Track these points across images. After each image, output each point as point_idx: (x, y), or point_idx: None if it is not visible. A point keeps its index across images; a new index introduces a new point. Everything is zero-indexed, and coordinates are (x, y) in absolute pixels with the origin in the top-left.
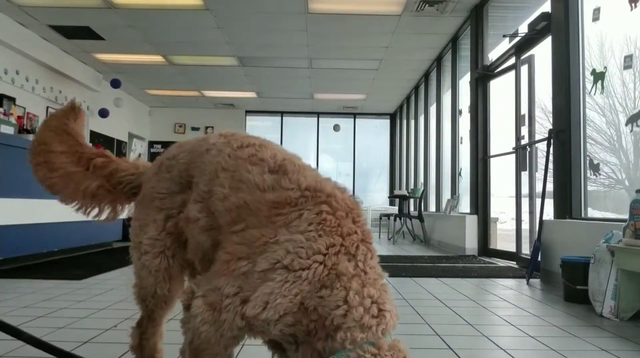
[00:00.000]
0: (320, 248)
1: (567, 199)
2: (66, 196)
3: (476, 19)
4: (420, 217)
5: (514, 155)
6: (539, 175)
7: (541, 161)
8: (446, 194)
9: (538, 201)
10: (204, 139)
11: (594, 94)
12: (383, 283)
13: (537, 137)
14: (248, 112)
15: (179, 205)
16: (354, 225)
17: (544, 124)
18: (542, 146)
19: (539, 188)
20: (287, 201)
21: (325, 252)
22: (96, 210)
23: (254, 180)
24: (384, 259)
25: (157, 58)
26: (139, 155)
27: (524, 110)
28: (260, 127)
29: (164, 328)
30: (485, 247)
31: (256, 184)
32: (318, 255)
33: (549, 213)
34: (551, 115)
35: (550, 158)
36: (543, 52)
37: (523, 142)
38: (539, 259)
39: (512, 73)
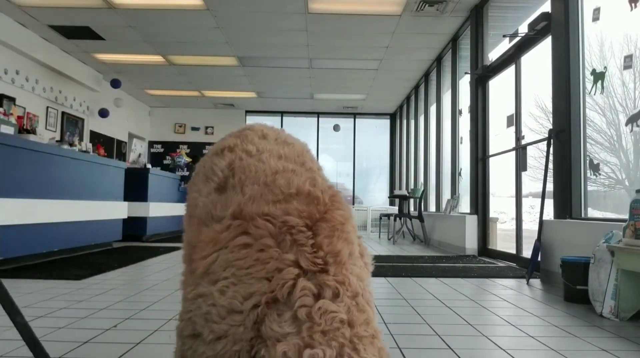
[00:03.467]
0: (234, 304)
1: (567, 199)
2: None
3: (476, 19)
4: (420, 217)
5: (513, 155)
6: (536, 175)
7: (532, 162)
8: (446, 194)
9: (529, 200)
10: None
11: (594, 94)
12: (367, 335)
13: (529, 137)
14: (248, 112)
15: None
16: (293, 250)
17: (544, 124)
18: (541, 146)
19: (537, 188)
20: (211, 239)
21: (241, 308)
22: None
23: (200, 207)
24: (384, 259)
25: (157, 58)
26: (139, 155)
27: (515, 110)
28: None
29: None
30: (485, 247)
31: (198, 214)
32: (233, 314)
33: (549, 212)
34: (551, 115)
35: (551, 157)
36: (540, 52)
37: (523, 142)
38: (539, 259)
39: (512, 74)
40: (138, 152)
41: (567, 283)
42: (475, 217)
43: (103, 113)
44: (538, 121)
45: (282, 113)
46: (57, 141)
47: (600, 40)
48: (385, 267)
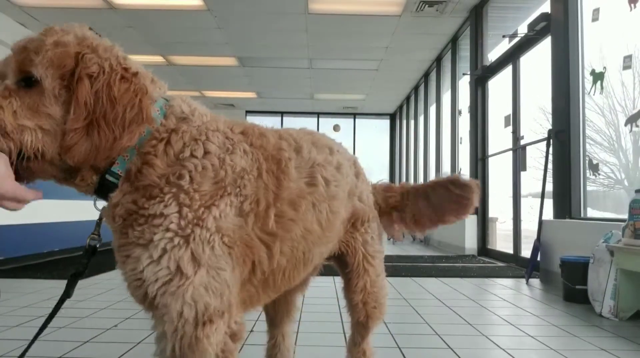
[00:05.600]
0: None
1: (567, 199)
2: None
3: (476, 19)
4: None
5: (510, 155)
6: (536, 175)
7: (532, 162)
8: None
9: (529, 200)
10: None
11: (594, 95)
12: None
13: (529, 137)
14: (248, 112)
15: None
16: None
17: (543, 124)
18: (541, 146)
19: (537, 188)
20: None
21: None
22: None
23: None
24: (384, 259)
25: (157, 58)
26: None
27: (513, 110)
28: None
29: None
30: (484, 247)
31: None
32: None
33: (548, 213)
34: (551, 115)
35: (550, 158)
36: (540, 53)
37: (523, 142)
38: (539, 259)
39: (510, 74)
40: None
41: (566, 283)
42: (475, 217)
43: None
44: (537, 121)
45: (282, 113)
46: None
47: (600, 40)
48: (385, 267)
